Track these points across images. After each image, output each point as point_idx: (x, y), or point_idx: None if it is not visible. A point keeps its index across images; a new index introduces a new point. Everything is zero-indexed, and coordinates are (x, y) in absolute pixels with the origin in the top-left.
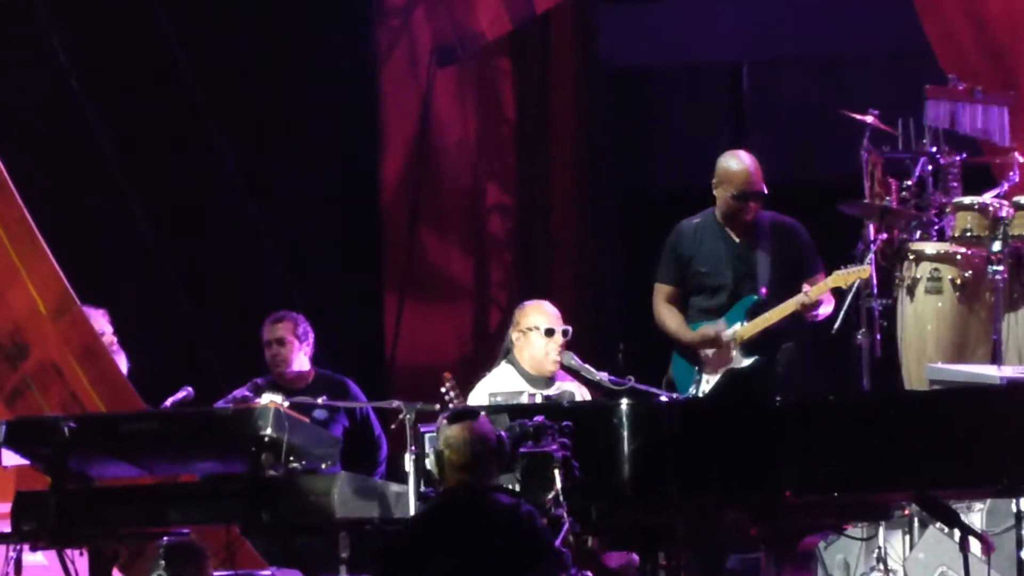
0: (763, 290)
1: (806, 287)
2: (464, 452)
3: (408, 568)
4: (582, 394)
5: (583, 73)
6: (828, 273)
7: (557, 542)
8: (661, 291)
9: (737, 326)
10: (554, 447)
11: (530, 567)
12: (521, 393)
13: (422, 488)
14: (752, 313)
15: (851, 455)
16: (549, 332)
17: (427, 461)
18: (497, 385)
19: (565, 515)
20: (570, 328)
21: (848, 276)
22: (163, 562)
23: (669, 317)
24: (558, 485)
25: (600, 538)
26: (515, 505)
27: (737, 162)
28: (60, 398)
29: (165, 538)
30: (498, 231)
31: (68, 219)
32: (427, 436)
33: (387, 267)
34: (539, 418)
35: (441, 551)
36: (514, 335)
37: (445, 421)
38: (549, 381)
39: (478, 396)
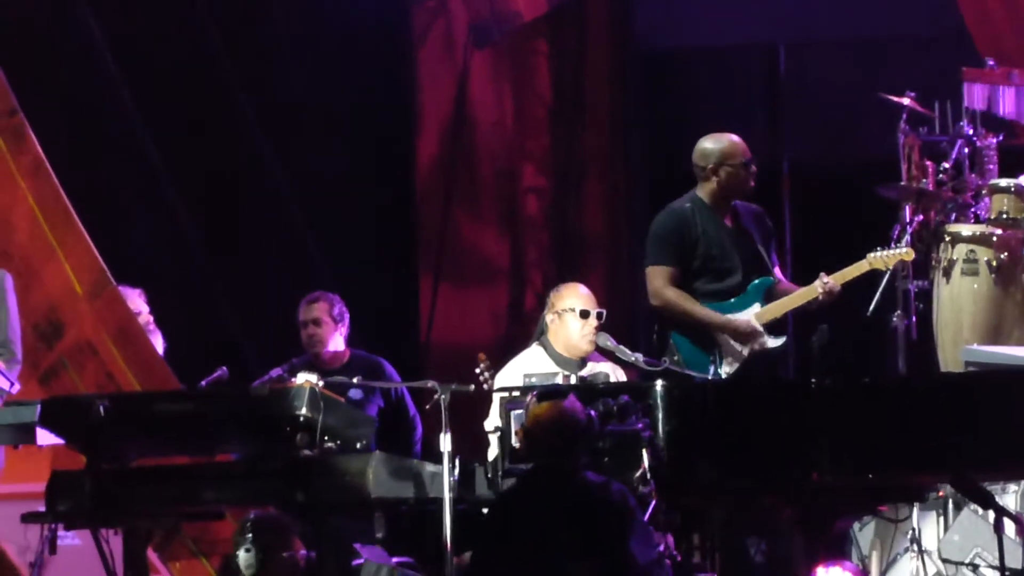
0: (776, 270)
1: (824, 276)
2: (554, 430)
3: (499, 544)
4: (616, 375)
5: (619, 55)
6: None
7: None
8: (663, 273)
9: (756, 307)
10: (639, 426)
11: (619, 544)
12: (556, 374)
13: (507, 465)
14: (769, 295)
15: (886, 437)
16: (584, 314)
17: (513, 439)
18: (528, 366)
19: (653, 493)
20: (604, 311)
21: (889, 258)
22: (249, 535)
23: (684, 300)
24: (646, 464)
25: None
26: (606, 483)
27: (728, 138)
28: (95, 377)
29: (252, 512)
30: (533, 212)
31: (104, 200)
32: (513, 414)
33: (422, 248)
34: (624, 397)
35: (531, 528)
36: (549, 317)
37: (535, 399)
38: (581, 363)
39: (508, 376)
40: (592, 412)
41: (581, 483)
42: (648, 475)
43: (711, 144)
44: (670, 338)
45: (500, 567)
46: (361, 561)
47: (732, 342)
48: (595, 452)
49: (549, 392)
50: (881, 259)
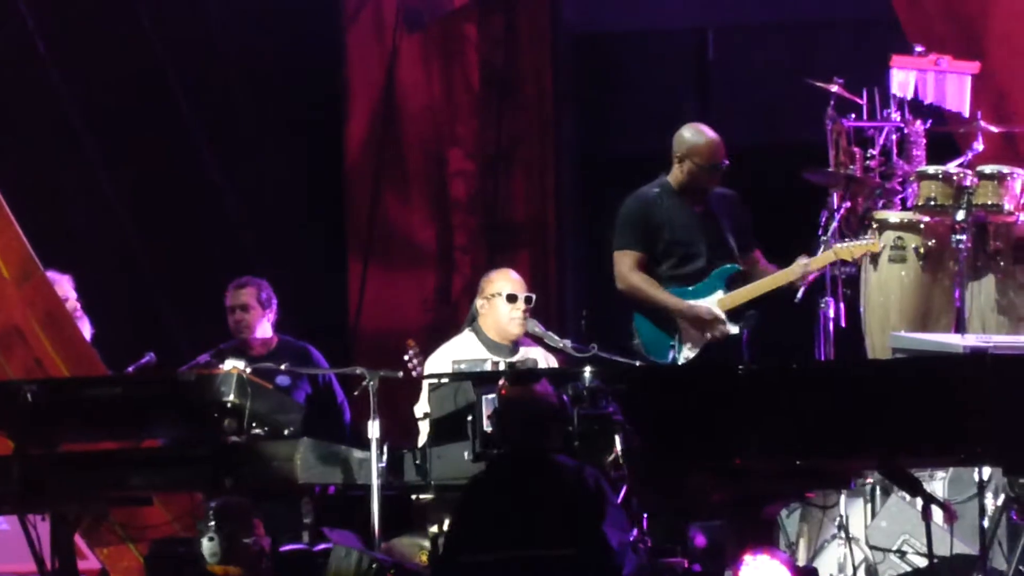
0: (740, 263)
1: (804, 259)
2: (528, 413)
3: (472, 528)
4: (547, 362)
5: (548, 39)
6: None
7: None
8: (628, 257)
9: (719, 294)
10: (611, 409)
11: (593, 527)
12: (484, 360)
13: (478, 449)
14: (732, 282)
15: (813, 423)
16: (512, 298)
17: (486, 423)
18: (458, 352)
19: (626, 477)
20: (533, 295)
21: (855, 249)
22: (212, 523)
23: (648, 284)
24: (618, 447)
25: None
26: (579, 466)
27: (704, 135)
28: (23, 363)
29: (213, 500)
30: (462, 197)
31: (32, 184)
32: (484, 399)
33: (351, 232)
34: (595, 381)
35: (504, 512)
36: (479, 302)
37: (507, 383)
38: (512, 349)
39: (438, 362)
40: (565, 396)
41: (554, 467)
42: (620, 459)
43: (687, 134)
44: (632, 321)
45: (474, 552)
46: (330, 546)
47: (692, 328)
48: (566, 436)
49: (521, 375)
50: (847, 249)
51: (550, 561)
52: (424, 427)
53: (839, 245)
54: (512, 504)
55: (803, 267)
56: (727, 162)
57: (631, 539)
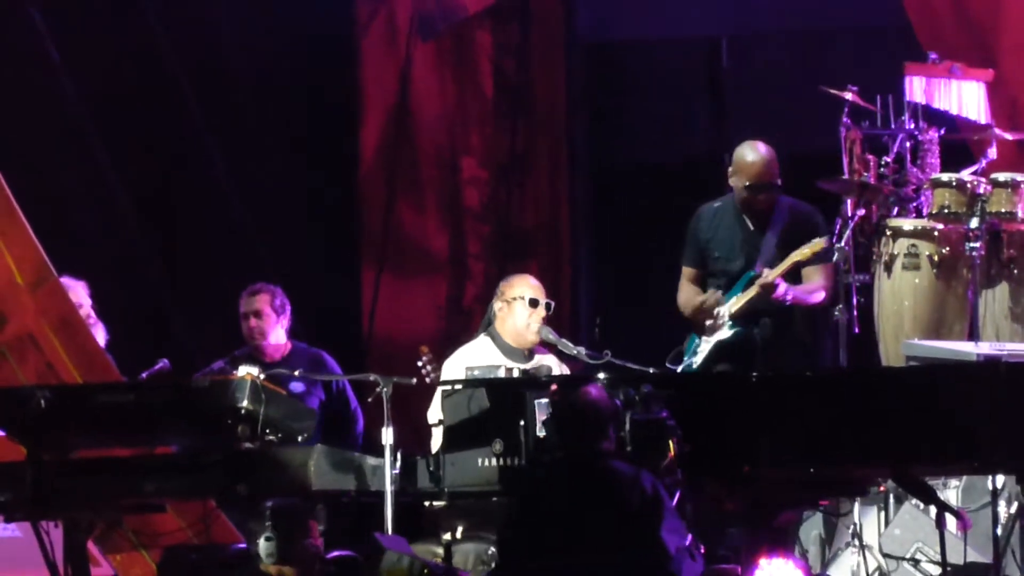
0: (759, 267)
1: (760, 267)
2: (585, 418)
3: (528, 535)
4: (560, 368)
5: (562, 47)
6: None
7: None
8: (684, 273)
9: (735, 299)
10: (664, 414)
11: (650, 533)
12: (498, 367)
13: (531, 455)
14: (746, 287)
15: (827, 431)
16: (533, 303)
17: (538, 428)
18: (474, 357)
19: (680, 482)
20: (552, 302)
21: (806, 250)
22: (269, 523)
23: (682, 295)
24: (673, 452)
25: None
26: (636, 471)
27: (752, 153)
28: (36, 369)
29: (270, 501)
30: (475, 205)
31: (46, 191)
32: (537, 403)
33: (364, 240)
34: (646, 387)
35: (561, 518)
36: (497, 305)
37: (560, 388)
38: (528, 355)
39: (453, 366)
40: (619, 401)
41: (611, 472)
42: (675, 464)
43: (737, 151)
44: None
45: (530, 558)
46: (342, 552)
47: (707, 327)
48: (619, 441)
49: (575, 380)
50: (799, 252)
51: (607, 567)
52: (437, 433)
53: (794, 252)
54: (569, 510)
55: (764, 277)
56: (778, 182)
57: (687, 545)
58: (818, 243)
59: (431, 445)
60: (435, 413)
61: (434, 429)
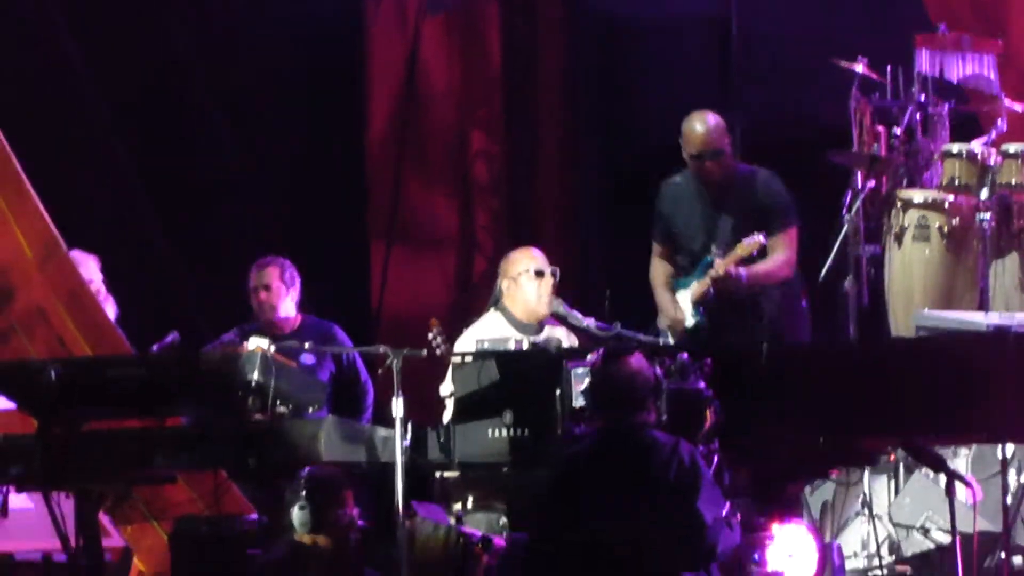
0: (716, 251)
1: (718, 250)
2: (627, 387)
3: (566, 504)
4: (570, 341)
5: (570, 22)
6: (798, 225)
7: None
8: (654, 249)
9: (695, 285)
10: (701, 385)
11: (688, 503)
12: (507, 340)
13: (566, 425)
14: (704, 272)
15: (837, 401)
16: (539, 274)
17: (576, 398)
18: (487, 332)
19: (716, 452)
20: (558, 269)
21: (744, 248)
22: (303, 492)
23: (655, 277)
24: (710, 422)
25: None
26: (675, 442)
27: (695, 122)
28: (47, 343)
29: (305, 469)
30: (484, 179)
31: (56, 165)
32: (575, 372)
33: (373, 214)
34: (683, 356)
35: (599, 488)
36: (504, 284)
37: (601, 356)
38: (538, 328)
39: (466, 343)
40: (659, 371)
41: (649, 442)
42: (712, 434)
43: (683, 123)
44: None
45: (567, 528)
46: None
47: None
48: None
49: (617, 350)
50: (741, 247)
51: (645, 537)
52: (449, 405)
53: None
54: (606, 480)
55: (715, 269)
56: (723, 148)
57: (724, 514)
58: (755, 243)
59: (444, 418)
60: (447, 386)
61: (447, 401)
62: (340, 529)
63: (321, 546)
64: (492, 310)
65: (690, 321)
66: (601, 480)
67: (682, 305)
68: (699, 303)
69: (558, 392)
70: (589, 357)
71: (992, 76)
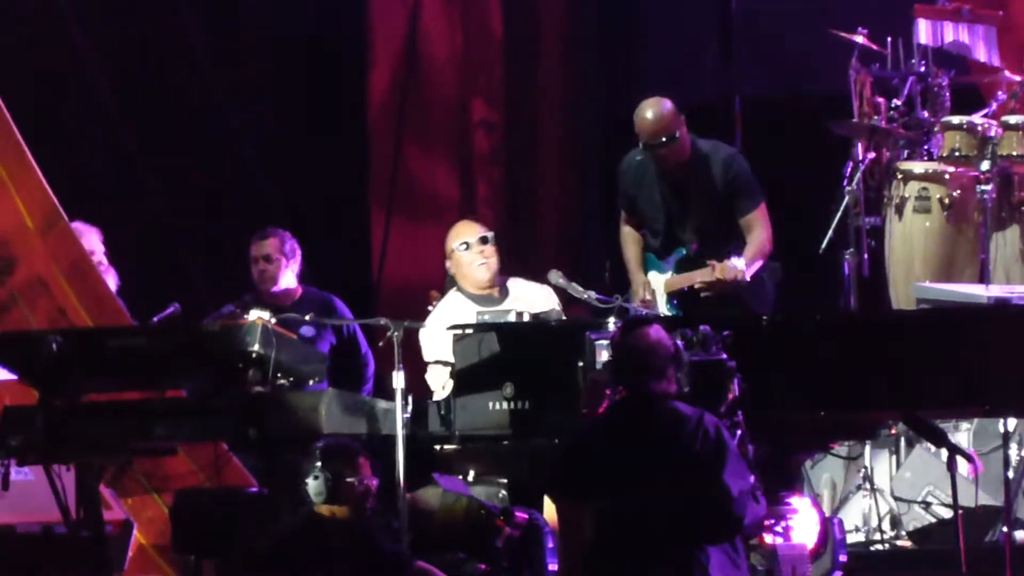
0: (694, 246)
1: (713, 263)
2: (644, 358)
3: (588, 476)
4: (547, 299)
5: None
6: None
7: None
8: (622, 216)
9: (669, 275)
10: (723, 356)
11: (714, 476)
12: (508, 312)
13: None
14: (679, 266)
15: (837, 374)
16: (465, 245)
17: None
18: (451, 314)
19: (740, 424)
20: (490, 233)
21: (722, 273)
22: (318, 463)
23: (626, 247)
24: (734, 394)
25: None
26: (699, 414)
27: (644, 111)
28: (47, 313)
29: (321, 440)
30: (484, 148)
31: (56, 136)
32: (597, 344)
33: (374, 184)
34: (704, 328)
35: (624, 460)
36: (448, 264)
37: (621, 327)
38: (500, 297)
39: (434, 328)
40: (680, 341)
41: (673, 414)
42: (735, 406)
43: (635, 113)
44: None
45: (589, 498)
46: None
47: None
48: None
49: (637, 319)
50: (721, 271)
51: (670, 510)
52: (435, 374)
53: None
54: (631, 452)
55: (712, 272)
56: (673, 136)
57: (750, 487)
58: (736, 268)
59: (431, 382)
60: (431, 352)
61: (431, 367)
62: (356, 497)
63: (339, 516)
64: (451, 291)
65: (664, 312)
66: (622, 450)
67: (656, 291)
68: (673, 296)
69: (580, 364)
70: (611, 328)
71: (992, 47)
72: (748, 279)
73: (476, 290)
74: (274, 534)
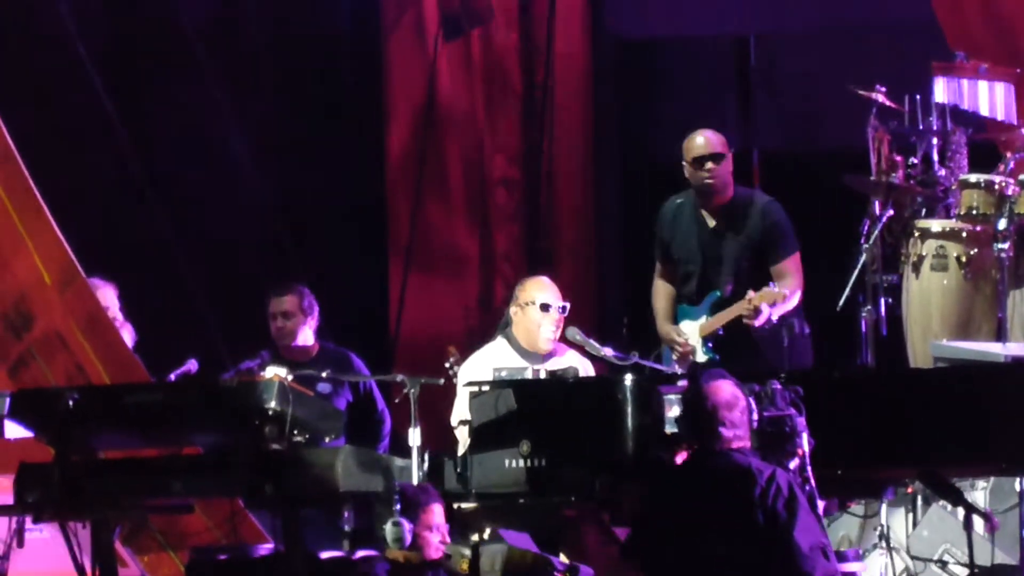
0: (728, 287)
1: (751, 293)
2: (716, 413)
3: (660, 529)
4: (584, 368)
5: (589, 45)
6: (800, 252)
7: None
8: (657, 268)
9: (703, 320)
10: (792, 412)
11: (785, 533)
12: (524, 369)
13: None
14: (714, 309)
15: (854, 431)
16: (545, 307)
17: (668, 423)
18: (493, 360)
19: (810, 478)
20: (567, 304)
21: (767, 295)
22: (397, 508)
23: (656, 299)
24: (804, 450)
25: (611, 513)
26: (772, 470)
27: (693, 135)
28: (65, 369)
29: (398, 484)
30: (504, 203)
31: (74, 192)
32: (667, 398)
33: (392, 239)
34: (773, 383)
35: (694, 513)
36: (512, 310)
37: (692, 381)
38: (545, 356)
39: (473, 368)
40: (751, 397)
41: (745, 469)
42: (806, 462)
43: (686, 139)
44: None
45: (661, 551)
46: (370, 552)
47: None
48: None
49: (709, 374)
50: (771, 293)
51: (740, 565)
52: (461, 434)
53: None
54: (704, 507)
55: (748, 300)
56: (723, 151)
57: (822, 543)
58: (779, 293)
59: (457, 447)
60: (458, 414)
61: (457, 431)
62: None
63: (413, 562)
64: (499, 337)
65: (701, 357)
66: (696, 506)
67: (689, 338)
68: (708, 339)
69: (633, 419)
70: (680, 382)
71: (1010, 105)
72: (775, 320)
73: (527, 346)
74: None
